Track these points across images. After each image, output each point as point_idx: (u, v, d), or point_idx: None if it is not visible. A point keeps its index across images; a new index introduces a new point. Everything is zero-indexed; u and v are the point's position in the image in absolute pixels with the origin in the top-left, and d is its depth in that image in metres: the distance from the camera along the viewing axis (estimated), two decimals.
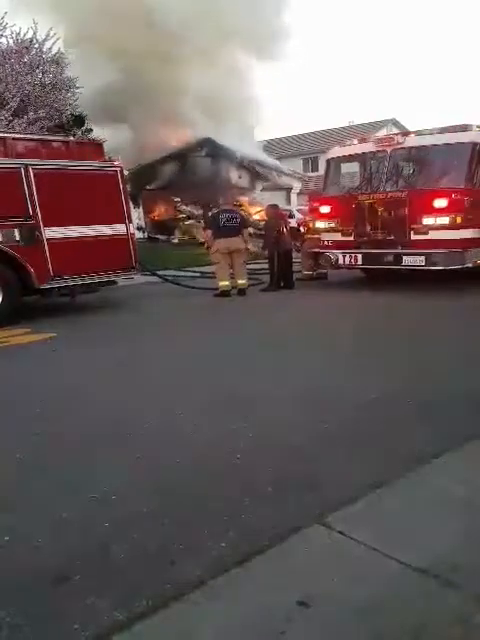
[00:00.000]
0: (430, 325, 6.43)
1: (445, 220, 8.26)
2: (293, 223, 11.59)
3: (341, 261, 9.47)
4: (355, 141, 10.20)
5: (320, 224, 10.00)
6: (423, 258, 8.44)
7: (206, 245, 9.91)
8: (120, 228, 8.43)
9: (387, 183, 9.08)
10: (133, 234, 8.69)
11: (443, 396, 3.91)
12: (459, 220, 8.22)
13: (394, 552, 2.16)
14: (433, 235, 8.38)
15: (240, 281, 9.38)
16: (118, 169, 8.63)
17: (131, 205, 10.27)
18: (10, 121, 14.52)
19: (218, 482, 2.81)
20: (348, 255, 9.35)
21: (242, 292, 9.36)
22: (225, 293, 9.18)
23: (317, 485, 2.74)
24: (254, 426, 3.51)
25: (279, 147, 33.95)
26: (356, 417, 3.61)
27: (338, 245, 9.58)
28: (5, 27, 15.05)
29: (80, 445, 3.37)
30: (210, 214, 9.44)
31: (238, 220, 9.24)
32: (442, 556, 2.14)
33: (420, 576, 2.04)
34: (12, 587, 2.08)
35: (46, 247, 7.61)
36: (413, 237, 8.61)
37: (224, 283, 9.23)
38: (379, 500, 2.60)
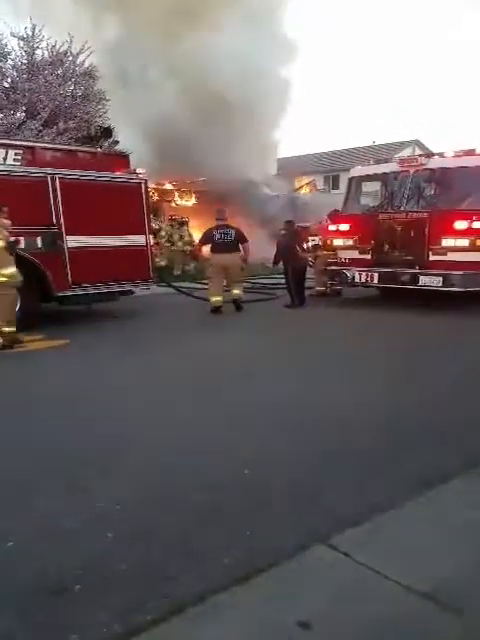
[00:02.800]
0: (443, 344, 6.39)
1: (465, 242, 8.24)
2: (316, 240, 11.56)
3: (357, 279, 9.50)
4: (372, 162, 10.28)
5: (338, 241, 10.04)
6: (440, 279, 8.41)
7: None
8: (140, 239, 8.55)
9: (408, 203, 9.12)
10: (152, 246, 8.81)
11: (456, 418, 3.88)
12: (479, 242, 8.19)
13: (398, 575, 2.16)
14: (452, 257, 8.37)
15: (235, 291, 9.32)
16: (142, 181, 8.78)
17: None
18: (40, 131, 14.87)
19: (224, 497, 2.81)
20: (365, 273, 9.38)
21: (236, 302, 9.29)
22: (216, 309, 9.05)
23: (324, 505, 2.73)
24: (262, 442, 3.52)
25: (300, 164, 34.11)
26: (366, 437, 3.60)
27: (355, 263, 9.61)
28: (42, 39, 15.46)
29: (84, 453, 3.40)
30: (205, 231, 9.49)
31: (232, 236, 9.07)
32: (446, 581, 2.13)
33: (422, 600, 2.03)
34: (12, 593, 2.10)
35: (67, 255, 7.75)
36: (431, 258, 8.61)
37: (215, 299, 9.09)
38: (385, 523, 2.59)
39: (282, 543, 2.40)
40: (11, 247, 6.51)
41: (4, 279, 6.39)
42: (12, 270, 6.47)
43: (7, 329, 6.52)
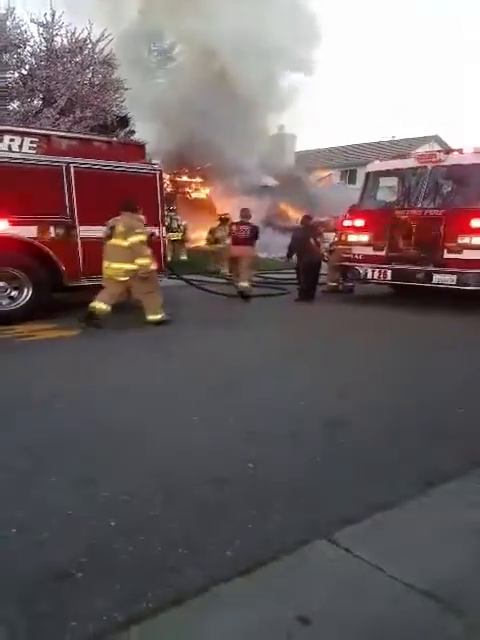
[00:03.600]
0: (453, 343, 6.34)
1: None
2: (332, 238, 11.53)
3: (370, 276, 9.41)
4: (390, 157, 10.18)
5: (352, 237, 9.95)
6: (455, 277, 8.33)
7: None
8: (153, 230, 8.54)
9: (425, 200, 9.00)
10: (165, 237, 8.80)
11: (461, 419, 3.87)
12: None
13: (399, 572, 2.16)
14: (467, 255, 8.26)
15: (241, 283, 9.88)
16: (157, 172, 8.77)
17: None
18: (57, 119, 14.90)
19: (227, 492, 2.82)
20: (377, 270, 9.29)
21: (242, 294, 9.79)
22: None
23: (327, 501, 2.74)
24: (266, 439, 3.51)
25: (319, 158, 33.88)
26: (370, 435, 3.59)
27: (368, 259, 9.52)
28: (61, 26, 15.44)
29: (90, 443, 3.41)
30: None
31: (247, 232, 9.95)
32: (447, 580, 2.13)
33: (423, 598, 2.03)
34: (14, 581, 2.13)
35: (79, 245, 7.76)
36: (446, 256, 8.51)
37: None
38: (388, 520, 2.59)
39: (284, 538, 2.40)
40: (149, 241, 7.20)
41: (135, 267, 6.94)
42: (145, 261, 6.97)
43: (154, 317, 7.13)
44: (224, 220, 15.03)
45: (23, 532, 2.44)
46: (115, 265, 6.98)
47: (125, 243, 6.90)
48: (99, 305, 6.97)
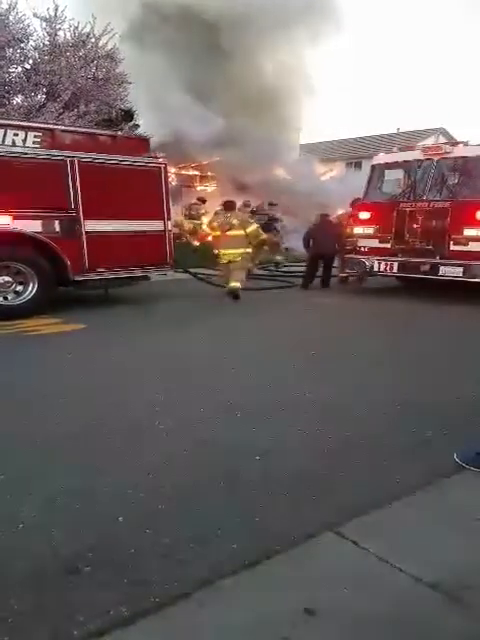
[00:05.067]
0: (462, 334, 6.32)
1: None
2: None
3: (376, 268, 9.39)
4: (396, 149, 10.18)
5: (358, 230, 9.93)
6: (461, 269, 8.31)
7: None
8: (158, 225, 8.52)
9: (430, 192, 8.97)
10: (170, 231, 8.79)
11: (473, 412, 3.84)
12: None
13: (405, 565, 2.16)
14: (473, 247, 8.25)
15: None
16: (162, 165, 8.74)
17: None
18: (60, 113, 14.88)
19: (235, 483, 2.83)
20: (383, 262, 9.27)
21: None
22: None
23: (334, 492, 2.74)
24: (274, 431, 3.52)
25: (324, 150, 33.68)
26: (376, 427, 3.59)
27: (374, 251, 9.50)
28: (64, 20, 15.38)
29: (97, 437, 3.42)
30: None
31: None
32: (455, 573, 2.13)
33: (429, 591, 2.03)
34: (22, 574, 2.14)
35: (84, 240, 7.74)
36: (452, 248, 8.50)
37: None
38: (395, 512, 2.59)
39: (290, 530, 2.40)
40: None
41: (249, 249, 9.13)
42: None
43: (236, 285, 8.77)
44: (253, 213, 15.10)
45: (30, 526, 2.45)
46: (234, 251, 8.85)
47: (243, 232, 8.87)
48: (236, 285, 8.77)
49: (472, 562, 2.21)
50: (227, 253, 8.89)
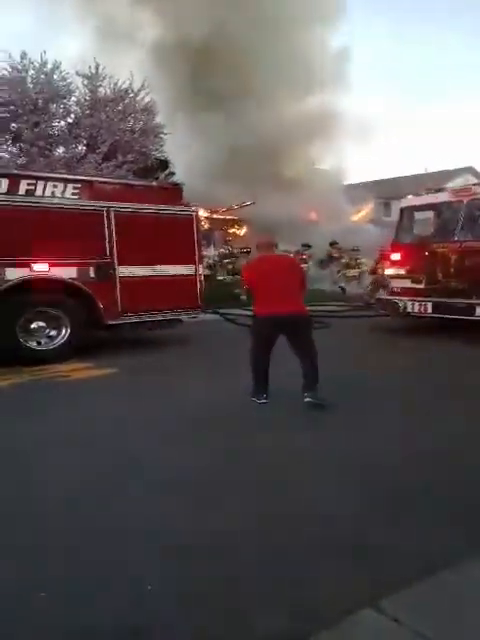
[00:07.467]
0: None
1: None
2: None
3: (410, 309, 9.31)
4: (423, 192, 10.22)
5: (390, 271, 9.92)
6: None
7: None
8: (190, 269, 8.73)
9: (462, 233, 8.93)
10: (201, 275, 8.97)
11: None
12: None
13: None
14: None
15: None
16: (194, 213, 9.02)
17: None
18: (99, 164, 15.60)
19: (259, 558, 2.60)
20: (418, 303, 9.19)
21: None
22: None
23: (371, 562, 2.52)
24: (301, 492, 3.31)
25: (352, 192, 33.98)
26: (418, 486, 3.34)
27: (407, 292, 9.45)
28: (104, 77, 16.33)
29: (137, 490, 3.38)
30: None
31: None
32: None
33: None
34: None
35: (118, 285, 7.95)
36: None
37: None
38: (440, 584, 2.32)
39: (323, 608, 2.20)
40: None
41: None
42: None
43: None
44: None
45: (102, 597, 2.44)
46: None
47: None
48: None
49: None
50: None
